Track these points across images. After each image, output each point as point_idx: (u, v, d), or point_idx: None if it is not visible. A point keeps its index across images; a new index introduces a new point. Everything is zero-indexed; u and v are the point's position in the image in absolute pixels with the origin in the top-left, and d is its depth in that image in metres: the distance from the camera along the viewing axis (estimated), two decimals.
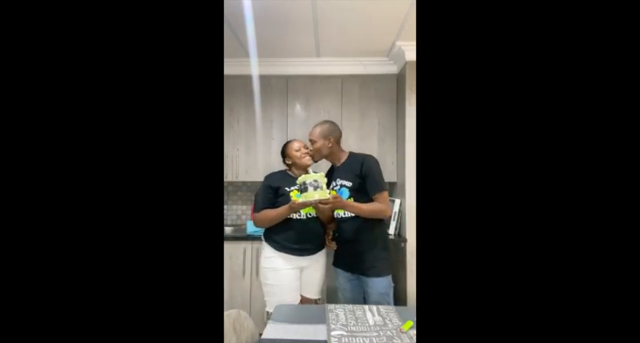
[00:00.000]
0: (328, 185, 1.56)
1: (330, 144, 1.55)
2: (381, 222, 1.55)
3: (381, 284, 1.45)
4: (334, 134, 1.57)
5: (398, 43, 2.13)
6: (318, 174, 1.42)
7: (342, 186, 1.51)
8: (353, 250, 1.50)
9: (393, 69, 2.42)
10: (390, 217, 2.16)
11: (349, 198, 1.48)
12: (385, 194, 1.48)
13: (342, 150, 1.60)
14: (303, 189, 1.41)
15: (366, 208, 1.44)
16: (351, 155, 1.58)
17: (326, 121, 1.62)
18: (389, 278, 1.49)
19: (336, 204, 1.40)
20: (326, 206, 1.41)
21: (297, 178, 1.60)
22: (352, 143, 2.25)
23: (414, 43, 2.06)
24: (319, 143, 1.55)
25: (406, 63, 2.17)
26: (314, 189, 1.38)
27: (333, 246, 1.61)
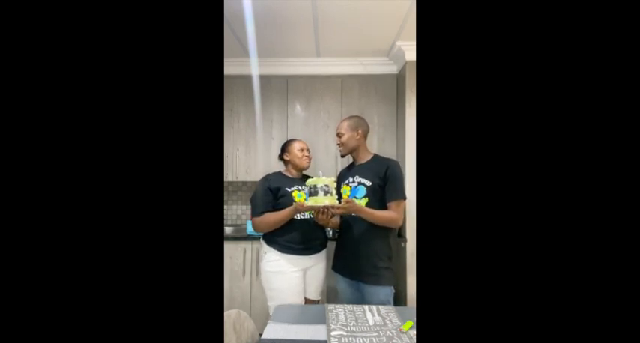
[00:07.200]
0: (345, 180, 1.56)
1: (358, 137, 1.53)
2: (389, 230, 1.49)
3: (382, 291, 1.41)
4: (362, 127, 1.54)
5: (398, 43, 2.14)
6: (329, 178, 1.40)
7: (360, 183, 1.49)
8: (354, 255, 1.46)
9: (393, 69, 2.42)
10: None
11: (365, 196, 1.46)
12: (403, 203, 1.45)
13: (367, 149, 1.58)
14: (313, 192, 1.37)
15: (380, 215, 1.40)
16: (376, 156, 1.56)
17: (354, 116, 1.60)
18: (391, 287, 1.45)
19: (350, 208, 1.36)
20: (337, 211, 1.38)
21: (294, 179, 1.61)
22: None
23: (414, 43, 2.06)
24: (347, 135, 1.52)
25: (406, 63, 2.17)
26: (324, 194, 1.36)
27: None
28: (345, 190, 1.53)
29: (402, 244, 2.14)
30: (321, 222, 1.48)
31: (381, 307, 1.23)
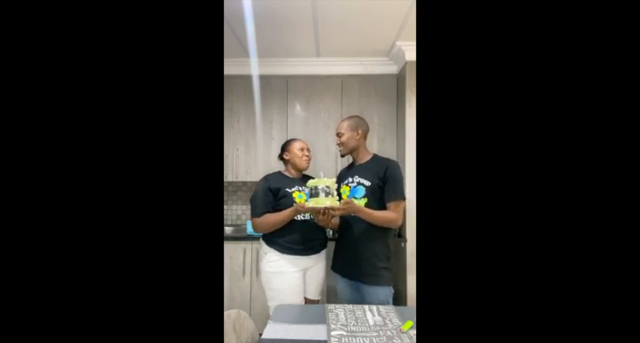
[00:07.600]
0: (345, 180, 1.56)
1: (358, 137, 1.53)
2: (387, 230, 1.49)
3: (381, 292, 1.41)
4: (362, 127, 1.55)
5: (398, 43, 2.14)
6: (330, 180, 1.40)
7: (359, 183, 1.49)
8: (353, 255, 1.46)
9: (393, 69, 2.42)
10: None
11: (364, 197, 1.46)
12: (402, 203, 1.45)
13: (366, 149, 1.58)
14: (314, 193, 1.38)
15: (379, 215, 1.40)
16: (375, 156, 1.56)
17: (354, 116, 1.61)
18: (390, 288, 1.45)
19: (349, 208, 1.36)
20: (336, 212, 1.38)
21: (295, 179, 1.61)
22: None
23: (414, 43, 2.06)
24: (347, 135, 1.53)
25: (406, 63, 2.17)
26: (325, 195, 1.36)
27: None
28: (345, 190, 1.53)
29: (402, 244, 2.14)
30: (321, 223, 1.48)
31: (381, 307, 1.23)
